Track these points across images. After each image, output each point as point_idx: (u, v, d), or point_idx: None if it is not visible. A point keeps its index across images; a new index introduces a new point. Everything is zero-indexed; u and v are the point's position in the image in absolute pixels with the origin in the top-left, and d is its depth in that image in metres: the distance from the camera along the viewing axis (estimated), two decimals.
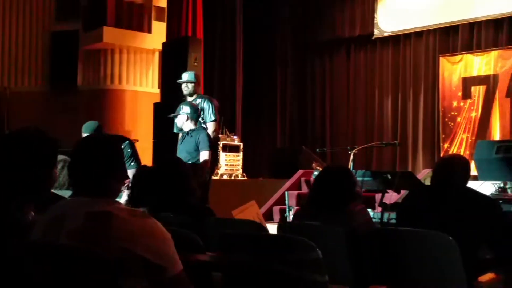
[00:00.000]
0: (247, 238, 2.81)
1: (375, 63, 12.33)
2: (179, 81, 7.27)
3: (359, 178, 5.15)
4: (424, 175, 8.39)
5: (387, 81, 12.11)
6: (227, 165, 10.54)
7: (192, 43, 10.16)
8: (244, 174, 10.81)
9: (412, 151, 11.56)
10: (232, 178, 10.50)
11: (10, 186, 1.93)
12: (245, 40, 13.01)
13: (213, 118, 6.98)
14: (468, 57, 10.74)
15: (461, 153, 9.81)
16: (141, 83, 11.98)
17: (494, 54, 10.44)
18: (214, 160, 7.27)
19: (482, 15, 10.57)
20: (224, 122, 10.97)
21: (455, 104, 10.82)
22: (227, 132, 11.04)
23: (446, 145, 10.79)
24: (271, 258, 2.55)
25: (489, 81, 10.43)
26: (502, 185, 5.80)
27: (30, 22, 12.16)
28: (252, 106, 13.31)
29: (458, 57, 10.87)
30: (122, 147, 5.98)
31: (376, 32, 12.02)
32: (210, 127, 6.95)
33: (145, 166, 5.50)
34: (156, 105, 10.26)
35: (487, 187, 5.86)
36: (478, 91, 10.55)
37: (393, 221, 5.18)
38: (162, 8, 12.03)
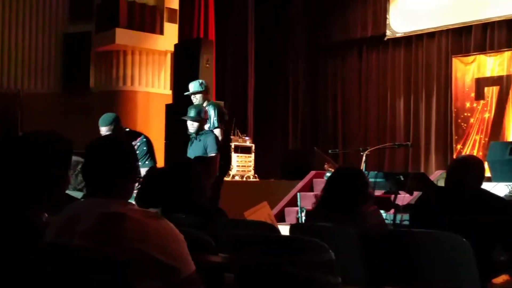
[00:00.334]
0: (259, 239, 2.80)
1: (387, 64, 12.29)
2: (186, 93, 7.24)
3: (371, 180, 5.14)
4: (437, 176, 8.35)
5: (399, 82, 12.07)
6: (238, 166, 10.55)
7: (204, 44, 10.16)
8: (256, 175, 10.81)
9: (425, 153, 11.51)
10: (244, 179, 10.51)
11: (24, 188, 1.94)
12: (257, 41, 13.02)
13: (216, 125, 6.97)
14: (481, 58, 10.68)
15: (474, 154, 9.75)
16: (153, 85, 12.01)
17: (507, 54, 10.37)
18: (226, 162, 7.24)
19: (495, 15, 10.51)
20: (236, 123, 10.98)
21: (468, 105, 10.77)
22: (239, 133, 11.05)
23: (459, 146, 10.74)
24: (284, 260, 2.55)
25: (502, 82, 10.37)
26: None
27: (43, 24, 12.22)
28: (264, 107, 13.30)
29: (471, 58, 10.81)
30: (138, 144, 5.94)
31: (388, 33, 11.99)
32: (216, 134, 6.95)
33: (154, 167, 5.52)
34: (168, 107, 10.27)
35: (500, 189, 5.83)
36: (491, 92, 10.48)
37: (406, 222, 5.17)
38: (174, 10, 12.06)
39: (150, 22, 11.84)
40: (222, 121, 7.09)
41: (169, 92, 11.88)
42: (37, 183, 1.95)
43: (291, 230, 3.47)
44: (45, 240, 1.99)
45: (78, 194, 3.58)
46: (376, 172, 6.06)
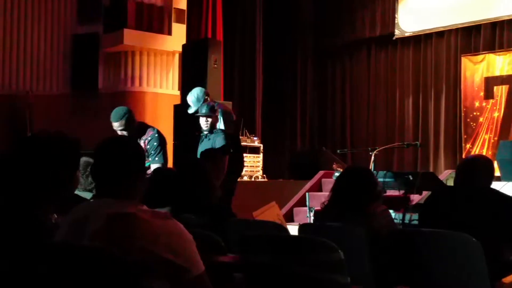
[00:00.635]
0: (268, 239, 2.80)
1: (396, 63, 12.27)
2: (190, 112, 7.06)
3: (380, 179, 5.13)
4: (446, 176, 8.32)
5: (408, 82, 12.04)
6: (247, 166, 10.54)
7: (212, 45, 10.17)
8: (264, 175, 10.80)
9: (434, 152, 11.48)
10: (253, 179, 10.51)
11: (33, 188, 1.94)
12: (265, 41, 13.02)
13: (223, 128, 6.96)
14: (491, 57, 10.64)
15: (483, 154, 9.71)
16: (161, 85, 12.02)
17: None
18: (239, 164, 7.17)
19: (505, 14, 10.46)
20: (244, 124, 10.98)
21: (477, 104, 10.72)
22: (247, 134, 11.05)
23: (468, 146, 10.70)
24: (293, 260, 2.55)
25: (511, 81, 10.32)
26: None
27: (51, 26, 12.25)
28: (272, 107, 13.30)
29: (480, 57, 10.77)
30: (149, 138, 5.79)
31: (397, 32, 11.96)
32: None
33: (160, 168, 5.51)
34: (176, 107, 10.28)
35: (510, 188, 5.80)
36: (501, 91, 10.44)
37: (415, 222, 5.15)
38: (182, 10, 12.06)
39: (158, 23, 11.84)
40: (229, 121, 7.09)
41: (177, 92, 11.88)
42: (46, 184, 1.95)
43: (300, 230, 3.47)
44: (55, 241, 2.00)
45: (88, 195, 3.59)
46: (385, 171, 6.02)
